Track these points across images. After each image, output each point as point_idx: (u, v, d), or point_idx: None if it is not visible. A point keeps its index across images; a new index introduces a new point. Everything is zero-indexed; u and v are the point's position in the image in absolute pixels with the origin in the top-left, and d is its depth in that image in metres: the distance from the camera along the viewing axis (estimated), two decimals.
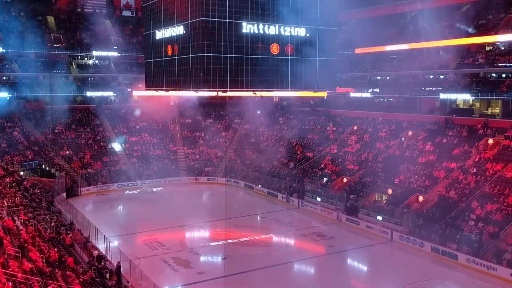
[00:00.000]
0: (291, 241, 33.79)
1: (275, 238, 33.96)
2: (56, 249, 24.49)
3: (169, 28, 24.15)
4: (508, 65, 40.85)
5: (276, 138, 55.94)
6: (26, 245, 22.22)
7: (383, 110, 49.36)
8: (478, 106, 44.09)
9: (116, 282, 22.73)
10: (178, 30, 23.25)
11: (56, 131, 52.45)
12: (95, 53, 59.65)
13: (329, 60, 24.19)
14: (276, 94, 41.16)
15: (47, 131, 52.24)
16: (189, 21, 22.13)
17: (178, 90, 25.02)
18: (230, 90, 22.28)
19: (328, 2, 23.30)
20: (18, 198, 33.17)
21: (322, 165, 45.86)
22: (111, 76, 59.99)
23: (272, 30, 22.37)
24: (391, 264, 29.87)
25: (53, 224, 29.83)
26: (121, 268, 24.13)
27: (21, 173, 43.25)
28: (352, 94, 52.77)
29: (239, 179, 50.45)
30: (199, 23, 21.12)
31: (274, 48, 22.58)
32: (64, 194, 42.78)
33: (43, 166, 47.20)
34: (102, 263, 24.64)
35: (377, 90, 50.28)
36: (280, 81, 23.16)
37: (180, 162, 54.08)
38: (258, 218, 39.23)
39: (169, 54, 24.54)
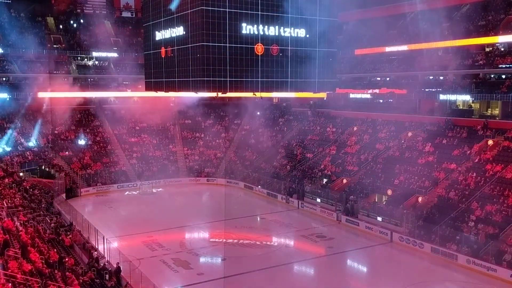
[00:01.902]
0: (290, 242, 33.78)
1: (274, 239, 33.95)
2: (55, 250, 24.49)
3: (169, 29, 24.21)
4: (508, 66, 40.86)
5: (276, 139, 55.96)
6: (26, 246, 22.21)
7: (383, 111, 49.38)
8: (478, 107, 44.13)
9: (116, 283, 22.72)
10: (178, 31, 23.29)
11: (55, 132, 52.43)
12: (94, 54, 59.66)
13: (329, 61, 24.23)
14: (276, 94, 41.28)
15: (47, 132, 52.21)
16: (189, 21, 22.15)
17: (178, 91, 25.06)
18: (230, 91, 22.32)
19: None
20: (18, 199, 33.14)
21: (322, 166, 45.87)
22: (111, 77, 59.98)
23: (272, 30, 22.42)
24: (391, 265, 29.86)
25: (52, 225, 29.81)
26: (121, 269, 24.11)
27: (21, 174, 43.23)
28: (351, 95, 52.88)
29: (239, 180, 50.44)
30: (199, 21, 21.16)
31: (275, 49, 22.62)
32: (64, 195, 42.75)
33: (43, 167, 47.18)
34: (102, 264, 24.63)
35: (377, 91, 50.30)
36: (280, 82, 23.21)
37: (180, 163, 54.08)
38: (258, 219, 39.21)
39: (170, 55, 24.58)
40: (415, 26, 47.38)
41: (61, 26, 62.24)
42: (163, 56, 23.94)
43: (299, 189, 43.08)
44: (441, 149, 39.88)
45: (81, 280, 20.77)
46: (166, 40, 24.80)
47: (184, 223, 36.72)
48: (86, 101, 57.76)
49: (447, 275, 27.60)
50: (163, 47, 24.45)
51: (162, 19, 24.85)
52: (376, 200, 38.27)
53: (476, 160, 36.53)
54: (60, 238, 27.61)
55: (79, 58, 59.95)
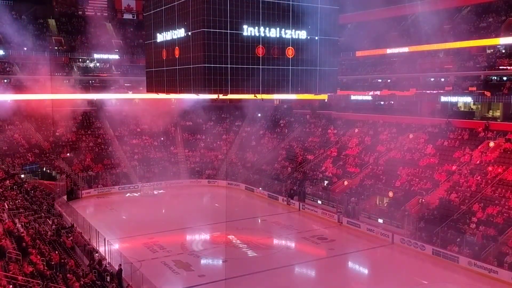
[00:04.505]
0: (291, 244, 33.75)
1: (275, 241, 33.93)
2: (56, 252, 24.50)
3: (170, 31, 24.20)
4: (509, 67, 40.82)
5: (277, 141, 55.96)
6: (27, 248, 22.23)
7: (384, 113, 49.36)
8: (480, 108, 44.09)
9: (117, 285, 22.72)
10: (179, 32, 23.28)
11: (57, 133, 52.48)
12: (96, 55, 59.72)
13: (330, 66, 24.21)
14: (277, 96, 41.26)
15: (48, 133, 52.28)
16: (190, 27, 22.16)
17: (179, 93, 25.04)
18: (230, 93, 22.30)
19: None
20: (19, 200, 33.21)
21: (323, 168, 45.84)
22: (112, 79, 60.08)
23: (273, 32, 22.38)
24: (392, 267, 29.82)
25: (53, 226, 29.83)
26: (122, 271, 24.10)
27: (22, 175, 43.27)
28: (352, 97, 52.86)
29: (239, 181, 50.43)
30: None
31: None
32: (65, 197, 42.77)
33: (44, 169, 47.21)
34: (103, 266, 24.63)
35: (378, 93, 50.31)
36: (280, 84, 23.19)
37: (181, 164, 54.10)
38: (259, 221, 39.18)
39: (170, 58, 24.58)
40: (416, 28, 47.36)
41: (62, 28, 62.32)
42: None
43: (300, 191, 43.06)
44: (442, 151, 39.86)
45: (82, 282, 20.79)
46: (167, 41, 24.82)
47: (185, 225, 36.70)
48: (87, 103, 57.88)
49: (449, 277, 27.57)
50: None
51: (164, 21, 24.85)
52: (378, 202, 38.23)
53: (478, 162, 36.50)
54: (61, 240, 27.63)
55: (80, 60, 60.03)
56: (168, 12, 24.28)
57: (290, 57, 23.02)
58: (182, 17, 22.74)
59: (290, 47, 22.99)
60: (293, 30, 22.87)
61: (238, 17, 21.43)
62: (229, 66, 21.42)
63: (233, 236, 33.56)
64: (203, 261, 29.71)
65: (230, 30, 21.34)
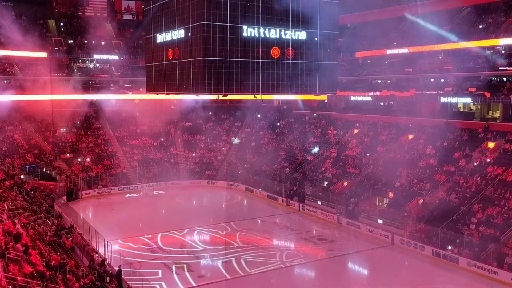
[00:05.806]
0: (291, 245, 33.73)
1: (275, 242, 33.91)
2: (58, 253, 24.48)
3: (170, 31, 24.23)
4: (509, 68, 40.84)
5: (277, 141, 55.96)
6: (27, 248, 22.20)
7: (384, 113, 49.37)
8: (479, 109, 44.10)
9: (117, 285, 22.70)
10: (179, 33, 23.31)
11: (56, 134, 52.46)
12: (96, 56, 59.71)
13: (330, 64, 24.24)
14: (277, 97, 41.27)
15: (48, 134, 52.26)
16: (190, 25, 22.19)
17: (179, 93, 25.07)
18: (230, 94, 22.33)
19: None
20: (19, 201, 33.17)
21: (323, 169, 45.84)
22: (112, 79, 60.08)
23: (272, 33, 22.41)
24: (392, 268, 29.81)
25: (53, 227, 29.80)
26: (122, 272, 24.07)
27: (22, 176, 43.25)
28: (352, 98, 52.88)
29: (239, 182, 50.42)
30: (199, 27, 21.18)
31: (275, 52, 22.62)
32: (65, 198, 42.74)
33: (44, 170, 47.18)
34: (103, 266, 24.61)
35: (378, 93, 50.34)
36: (280, 85, 23.21)
37: (181, 165, 54.08)
38: (259, 222, 39.16)
39: (170, 58, 24.61)
40: (416, 29, 47.38)
41: (62, 29, 62.34)
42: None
43: (300, 192, 43.04)
44: (442, 152, 39.83)
45: (82, 283, 20.77)
46: (167, 42, 24.85)
47: (185, 226, 36.67)
48: (87, 104, 57.85)
49: (448, 277, 27.56)
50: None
51: (163, 17, 24.86)
52: (377, 203, 38.23)
53: (477, 163, 36.51)
54: (61, 240, 27.62)
55: (80, 60, 60.02)
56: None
57: (290, 56, 23.06)
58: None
59: (290, 48, 23.02)
60: (293, 31, 22.91)
61: (238, 14, 21.46)
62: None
63: (233, 237, 33.54)
64: (203, 262, 29.71)
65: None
